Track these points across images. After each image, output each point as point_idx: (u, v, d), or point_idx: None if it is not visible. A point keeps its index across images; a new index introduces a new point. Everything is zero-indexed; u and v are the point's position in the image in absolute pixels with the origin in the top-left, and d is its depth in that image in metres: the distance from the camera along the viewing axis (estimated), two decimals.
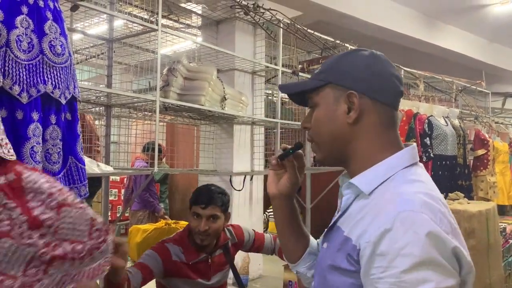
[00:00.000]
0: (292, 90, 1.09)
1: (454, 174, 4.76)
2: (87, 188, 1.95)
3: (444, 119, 4.86)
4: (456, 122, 5.15)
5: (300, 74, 4.15)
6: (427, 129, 4.53)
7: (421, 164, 1.00)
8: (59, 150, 1.70)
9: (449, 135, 4.69)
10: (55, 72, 1.55)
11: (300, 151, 1.10)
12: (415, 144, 1.02)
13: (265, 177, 4.17)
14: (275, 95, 4.96)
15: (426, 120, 4.56)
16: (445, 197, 2.95)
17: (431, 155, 4.48)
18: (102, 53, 3.23)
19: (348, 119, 0.96)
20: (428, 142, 4.49)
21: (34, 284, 1.18)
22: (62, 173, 1.81)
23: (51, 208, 1.24)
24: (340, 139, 0.98)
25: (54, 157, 1.72)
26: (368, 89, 0.95)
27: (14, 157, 1.25)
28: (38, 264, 1.18)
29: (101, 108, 3.19)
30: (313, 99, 1.02)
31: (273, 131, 4.41)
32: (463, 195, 3.66)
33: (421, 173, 0.96)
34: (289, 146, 1.12)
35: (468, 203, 3.31)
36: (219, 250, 2.08)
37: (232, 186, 3.88)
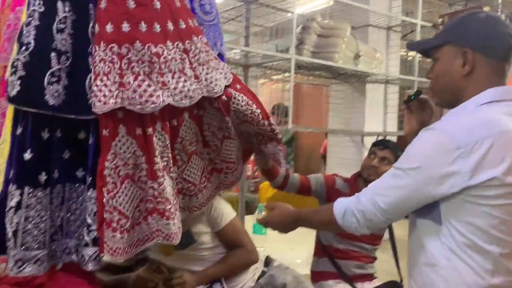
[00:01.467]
0: (417, 48, 1.32)
1: None
2: None
3: None
4: None
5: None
6: None
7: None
8: None
9: None
10: (204, 30, 1.69)
11: (423, 96, 1.39)
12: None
13: (399, 137, 4.03)
14: (411, 52, 4.66)
15: None
16: None
17: None
18: (240, 15, 3.37)
19: (463, 72, 1.15)
20: None
21: (202, 189, 1.62)
22: None
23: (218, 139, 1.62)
24: (455, 88, 1.18)
25: None
26: (481, 47, 1.14)
27: None
28: (206, 174, 1.61)
29: (238, 69, 3.37)
30: (434, 54, 1.23)
31: (408, 90, 4.19)
32: None
33: (489, 111, 1.09)
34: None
35: None
36: None
37: (363, 146, 3.83)
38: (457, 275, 1.05)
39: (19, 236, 1.29)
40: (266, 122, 1.65)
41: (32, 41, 1.31)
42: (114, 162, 1.34)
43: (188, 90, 1.43)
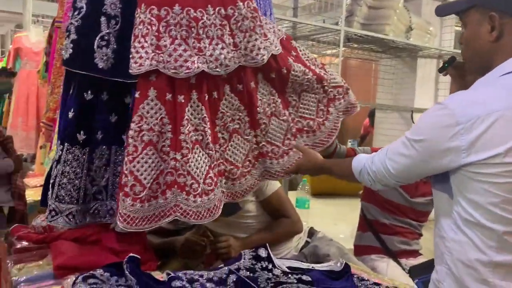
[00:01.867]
0: (443, 13, 1.25)
1: None
2: None
3: None
4: None
5: None
6: None
7: None
8: None
9: None
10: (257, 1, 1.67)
11: (459, 60, 1.32)
12: None
13: None
14: None
15: None
16: None
17: None
18: None
19: (490, 38, 1.08)
20: None
21: (246, 174, 1.54)
22: None
23: (267, 116, 1.56)
24: (483, 56, 1.11)
25: None
26: (509, 9, 1.06)
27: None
28: (252, 158, 1.54)
29: None
30: (462, 20, 1.16)
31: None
32: None
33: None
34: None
35: None
36: None
37: (413, 122, 3.73)
38: (460, 249, 1.04)
39: (55, 188, 1.36)
40: (319, 85, 1.63)
41: (84, 6, 1.35)
42: (139, 125, 1.33)
43: (225, 58, 1.39)
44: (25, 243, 1.62)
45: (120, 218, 1.32)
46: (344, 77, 3.97)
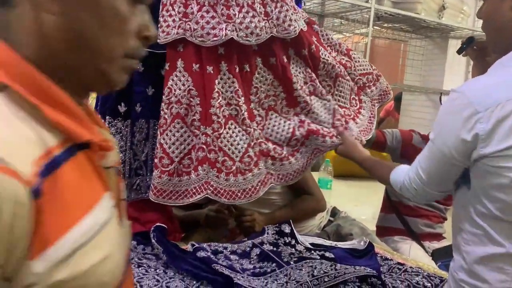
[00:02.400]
0: None
1: None
2: None
3: None
4: None
5: None
6: None
7: None
8: None
9: None
10: None
11: (479, 39, 1.27)
12: None
13: None
14: None
15: None
16: None
17: None
18: None
19: (511, 15, 0.99)
20: None
21: (295, 153, 1.50)
22: None
23: (306, 94, 1.51)
24: (504, 32, 1.03)
25: None
26: None
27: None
28: (299, 135, 1.48)
29: (314, 17, 3.27)
30: None
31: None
32: None
33: None
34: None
35: None
36: None
37: (441, 104, 3.63)
38: (477, 240, 0.98)
39: None
40: (343, 69, 1.60)
41: None
42: (168, 97, 1.32)
43: (255, 26, 1.33)
44: None
45: (152, 188, 1.33)
46: (372, 57, 3.89)
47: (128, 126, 1.39)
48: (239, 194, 1.38)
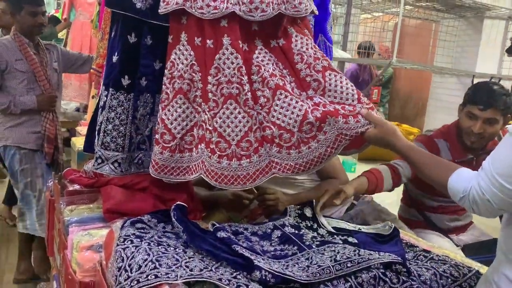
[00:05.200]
0: None
1: None
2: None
3: None
4: None
5: None
6: None
7: None
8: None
9: None
10: None
11: None
12: None
13: None
14: None
15: None
16: None
17: None
18: None
19: None
20: None
21: (309, 141, 1.28)
22: None
23: (317, 71, 1.33)
24: None
25: None
26: None
27: None
28: (313, 118, 1.27)
29: None
30: None
31: None
32: None
33: None
34: None
35: None
36: (486, 153, 1.93)
37: None
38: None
39: (100, 135, 1.35)
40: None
41: None
42: (171, 71, 1.28)
43: (261, 1, 1.22)
44: (77, 187, 1.68)
45: (153, 163, 1.31)
46: (402, 37, 3.73)
47: (131, 100, 1.36)
48: (232, 179, 1.27)
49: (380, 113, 1.43)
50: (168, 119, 1.29)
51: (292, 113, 1.27)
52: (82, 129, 3.21)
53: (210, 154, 1.27)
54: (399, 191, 2.37)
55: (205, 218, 1.56)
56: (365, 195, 1.97)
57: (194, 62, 1.28)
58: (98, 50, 2.45)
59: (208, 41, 1.25)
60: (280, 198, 1.64)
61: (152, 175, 1.33)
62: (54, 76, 2.70)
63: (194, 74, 1.28)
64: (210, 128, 1.27)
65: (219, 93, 1.26)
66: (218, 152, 1.26)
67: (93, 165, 1.39)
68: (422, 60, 4.14)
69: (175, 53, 1.28)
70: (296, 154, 1.28)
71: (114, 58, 1.34)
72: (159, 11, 1.27)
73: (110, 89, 1.35)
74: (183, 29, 1.28)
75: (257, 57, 1.29)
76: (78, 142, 2.76)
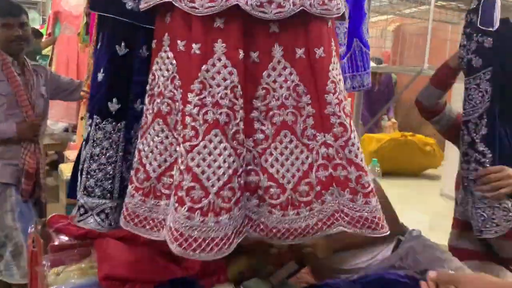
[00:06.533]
0: None
1: None
2: (370, 79, 1.73)
3: None
4: None
5: None
6: None
7: None
8: (345, 30, 1.47)
9: None
10: None
11: None
12: None
13: None
14: None
15: None
16: None
17: None
18: None
19: None
20: None
21: (301, 205, 0.96)
22: (345, 57, 1.61)
23: (346, 114, 0.98)
24: None
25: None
26: None
27: None
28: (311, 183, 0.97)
29: None
30: None
31: None
32: None
33: None
34: None
35: None
36: None
37: None
38: None
39: (83, 177, 1.03)
40: None
41: None
42: (151, 87, 0.99)
43: None
44: (64, 238, 1.35)
45: (123, 210, 0.99)
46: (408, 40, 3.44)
47: (122, 130, 1.03)
48: (203, 244, 0.87)
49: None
50: (144, 150, 0.97)
51: (292, 164, 0.97)
52: (71, 154, 2.93)
53: (177, 205, 0.89)
54: (429, 213, 2.06)
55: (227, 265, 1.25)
56: (412, 229, 1.66)
57: (175, 74, 0.95)
58: (89, 68, 2.14)
59: (194, 45, 0.90)
60: (317, 243, 1.35)
61: (121, 225, 1.00)
62: (40, 103, 2.37)
63: (175, 91, 0.95)
64: (182, 167, 0.89)
65: (201, 119, 0.89)
66: (188, 203, 0.87)
67: (74, 218, 1.05)
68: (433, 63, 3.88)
69: (157, 62, 0.97)
70: (279, 216, 0.95)
71: (100, 76, 1.03)
72: (140, 6, 0.97)
73: (95, 116, 1.02)
74: (166, 29, 0.96)
75: (269, 75, 0.94)
76: (66, 170, 2.45)
